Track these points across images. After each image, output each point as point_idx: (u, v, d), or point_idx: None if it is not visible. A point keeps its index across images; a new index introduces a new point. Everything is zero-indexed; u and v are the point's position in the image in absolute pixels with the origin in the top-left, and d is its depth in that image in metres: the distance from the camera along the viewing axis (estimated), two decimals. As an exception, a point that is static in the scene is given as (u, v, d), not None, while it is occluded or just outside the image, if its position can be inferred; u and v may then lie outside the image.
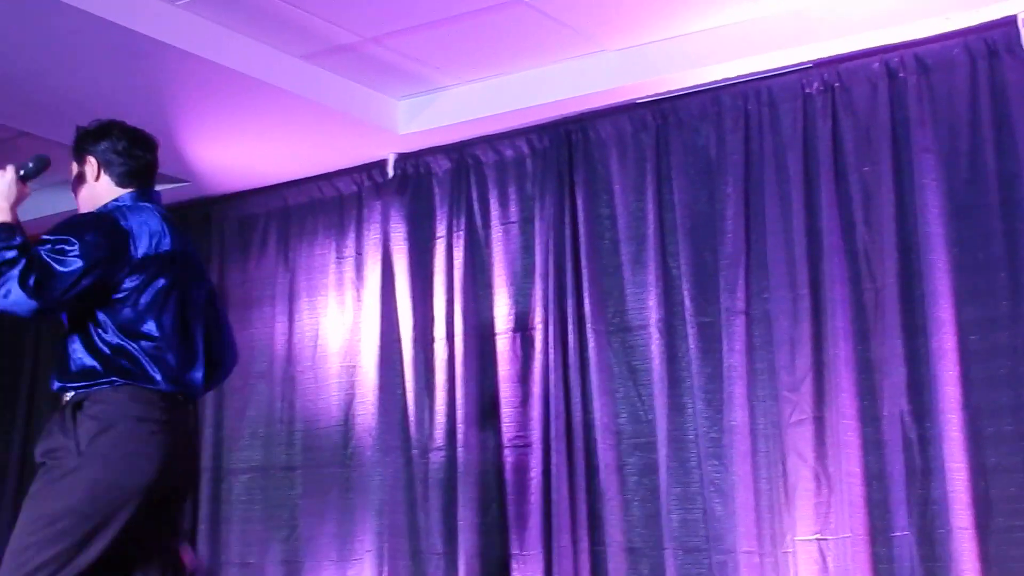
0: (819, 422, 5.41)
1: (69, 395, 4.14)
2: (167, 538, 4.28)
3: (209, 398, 7.04)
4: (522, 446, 6.07)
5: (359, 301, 6.69)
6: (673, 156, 5.91)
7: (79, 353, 4.19)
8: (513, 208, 6.32)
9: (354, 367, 6.63)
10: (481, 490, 6.16)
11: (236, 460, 6.95)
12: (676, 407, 5.73)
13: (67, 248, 4.12)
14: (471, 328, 6.30)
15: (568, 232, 6.09)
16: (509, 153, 6.35)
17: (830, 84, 5.58)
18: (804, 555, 5.34)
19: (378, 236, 6.64)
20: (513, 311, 6.22)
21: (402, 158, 6.64)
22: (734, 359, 5.59)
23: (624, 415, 5.89)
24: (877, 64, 5.49)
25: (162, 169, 6.73)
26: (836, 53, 5.55)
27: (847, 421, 5.31)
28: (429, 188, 6.57)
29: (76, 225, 4.20)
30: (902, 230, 5.35)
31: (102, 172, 4.44)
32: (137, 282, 4.21)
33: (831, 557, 5.30)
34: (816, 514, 5.35)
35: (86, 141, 4.48)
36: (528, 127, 6.29)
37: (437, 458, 6.30)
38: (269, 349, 6.94)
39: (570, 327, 6.00)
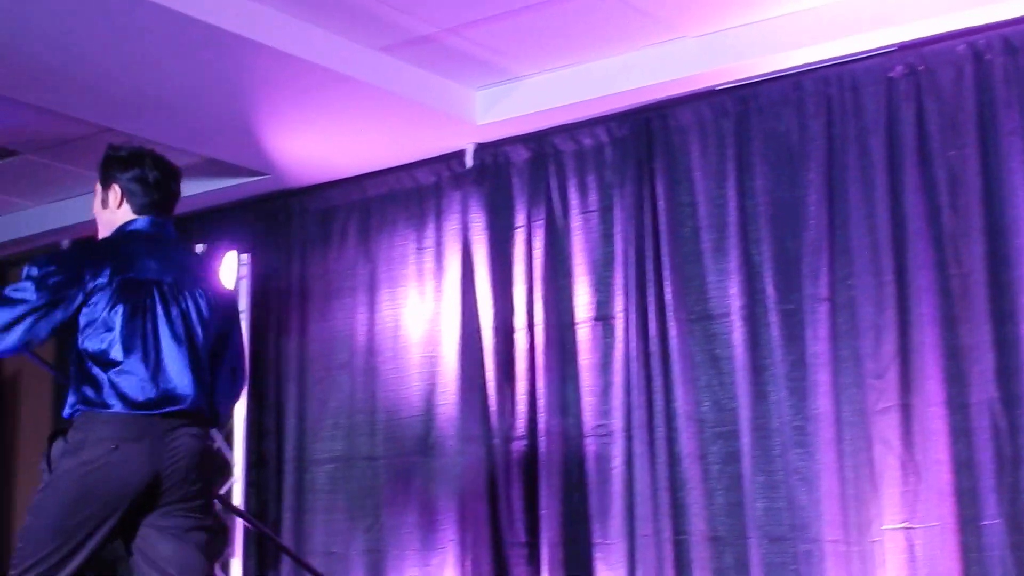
0: (905, 410, 5.35)
1: (67, 421, 4.45)
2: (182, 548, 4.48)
3: (292, 389, 7.09)
4: (604, 435, 6.05)
5: (439, 291, 6.69)
6: (754, 142, 5.86)
7: (71, 383, 4.47)
8: (593, 197, 6.29)
9: (435, 357, 6.63)
10: (563, 479, 6.15)
11: (319, 451, 6.98)
12: (759, 395, 5.69)
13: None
14: (551, 317, 6.29)
15: (648, 220, 6.06)
16: (588, 142, 6.32)
17: (914, 67, 5.50)
18: (891, 544, 5.29)
19: (457, 226, 6.64)
20: (594, 300, 6.20)
21: (481, 148, 6.63)
22: (818, 346, 5.54)
23: (706, 403, 5.85)
24: (962, 46, 5.41)
25: (242, 162, 6.90)
26: (920, 36, 5.47)
27: (934, 408, 5.24)
28: (508, 178, 6.56)
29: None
30: (989, 215, 5.27)
31: (124, 200, 4.65)
32: (96, 311, 4.42)
33: (919, 546, 5.24)
34: (903, 502, 5.29)
35: (112, 168, 4.69)
36: (607, 115, 6.25)
37: (519, 447, 6.29)
38: (350, 340, 6.96)
39: (651, 315, 5.97)
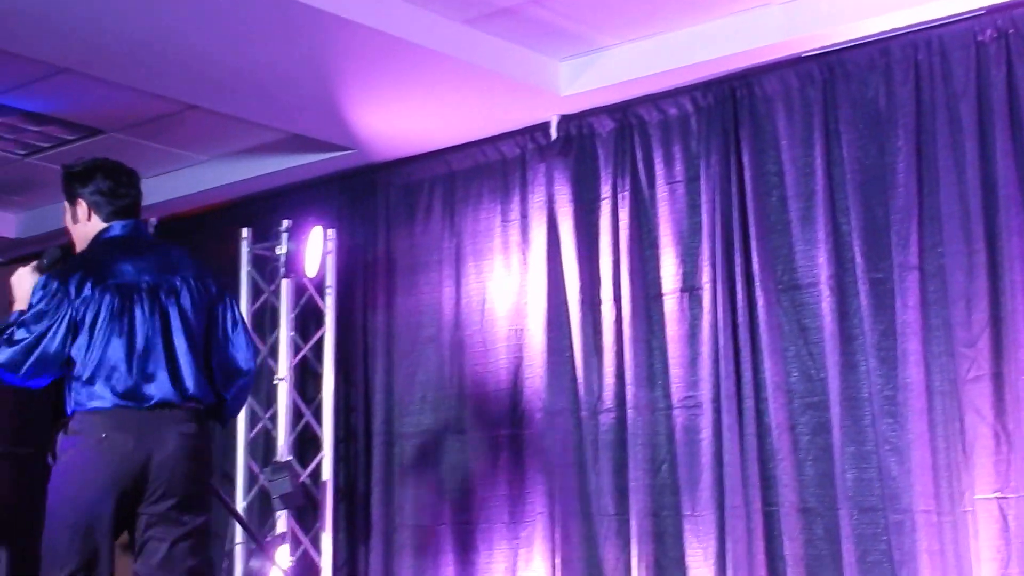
0: (997, 378, 5.28)
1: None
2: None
3: (379, 364, 7.12)
4: (692, 406, 6.03)
5: (525, 264, 6.68)
6: (841, 110, 5.80)
7: (65, 383, 4.85)
8: (678, 167, 6.26)
9: (522, 330, 6.63)
10: (651, 451, 6.13)
11: (407, 424, 7.01)
12: (849, 365, 5.64)
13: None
14: (638, 289, 6.27)
15: (735, 190, 6.02)
16: (673, 112, 6.29)
17: (1004, 31, 5.42)
18: (984, 514, 5.22)
19: (543, 199, 6.63)
20: (680, 271, 6.17)
21: (565, 120, 6.61)
22: (908, 315, 5.48)
23: (795, 374, 5.81)
24: (1054, 8, 5.33)
25: (327, 138, 6.93)
26: (1009, -2, 5.40)
27: (1027, 377, 5.18)
28: (593, 149, 6.53)
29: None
30: (1083, 180, 5.20)
31: (92, 213, 5.02)
32: (85, 321, 4.76)
33: (1012, 516, 5.18)
34: (996, 472, 5.22)
35: (73, 184, 5.06)
36: (692, 85, 6.21)
37: (607, 420, 6.28)
38: (437, 314, 6.98)
39: (738, 286, 5.93)
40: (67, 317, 4.78)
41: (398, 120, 6.71)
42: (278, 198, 7.62)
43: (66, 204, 5.13)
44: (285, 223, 6.88)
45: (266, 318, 7.18)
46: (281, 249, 6.90)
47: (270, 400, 7.11)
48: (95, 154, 7.19)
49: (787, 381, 5.82)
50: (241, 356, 5.04)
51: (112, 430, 4.72)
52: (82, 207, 5.05)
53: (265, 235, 7.13)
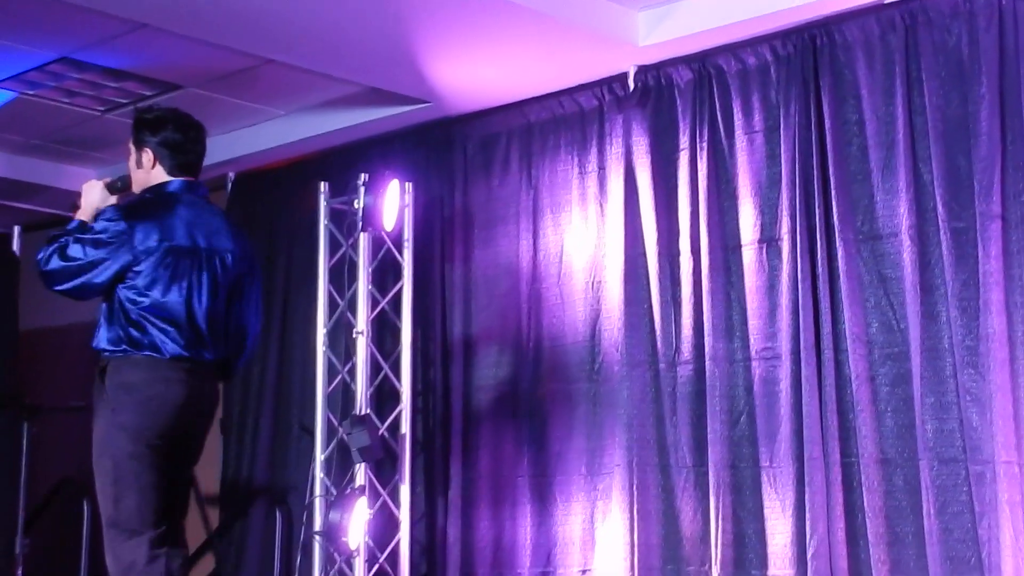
0: (1081, 328, 5.22)
1: (102, 359, 5.15)
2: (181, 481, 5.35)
3: (457, 317, 7.14)
4: (770, 358, 6.00)
5: (603, 216, 6.66)
6: (923, 58, 5.71)
7: (107, 324, 5.16)
8: (757, 117, 6.20)
9: (599, 282, 6.62)
10: (729, 403, 6.11)
11: (485, 377, 7.02)
12: (929, 315, 5.58)
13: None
14: (716, 240, 6.23)
15: (815, 140, 5.96)
16: (752, 61, 6.23)
17: (1092, -26, 5.33)
18: (1066, 465, 5.18)
19: (620, 150, 6.60)
20: (759, 222, 6.13)
21: (643, 70, 6.57)
22: (990, 265, 5.41)
23: (875, 324, 5.76)
24: None
25: (404, 91, 6.93)
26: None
27: (1111, 327, 5.12)
28: (671, 100, 6.49)
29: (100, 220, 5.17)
30: None
31: (156, 162, 5.28)
32: (143, 270, 5.09)
33: (1095, 466, 5.13)
34: (1079, 422, 5.17)
35: (143, 131, 5.31)
36: (771, 33, 6.15)
37: (685, 371, 6.26)
38: (514, 267, 6.98)
39: (818, 236, 5.88)
40: (123, 260, 5.09)
41: (475, 72, 6.70)
42: (355, 152, 7.64)
43: (132, 147, 5.36)
44: (362, 177, 6.88)
45: (344, 272, 7.19)
46: (359, 203, 6.89)
47: (348, 354, 7.13)
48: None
49: (867, 332, 5.77)
50: (252, 326, 5.45)
51: (171, 382, 5.12)
52: (147, 155, 5.29)
53: (343, 189, 7.14)
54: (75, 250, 5.13)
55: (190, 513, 8.21)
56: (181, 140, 5.30)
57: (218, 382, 5.43)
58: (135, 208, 5.24)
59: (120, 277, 5.12)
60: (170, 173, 5.30)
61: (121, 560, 5.09)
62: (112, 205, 5.31)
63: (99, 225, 5.15)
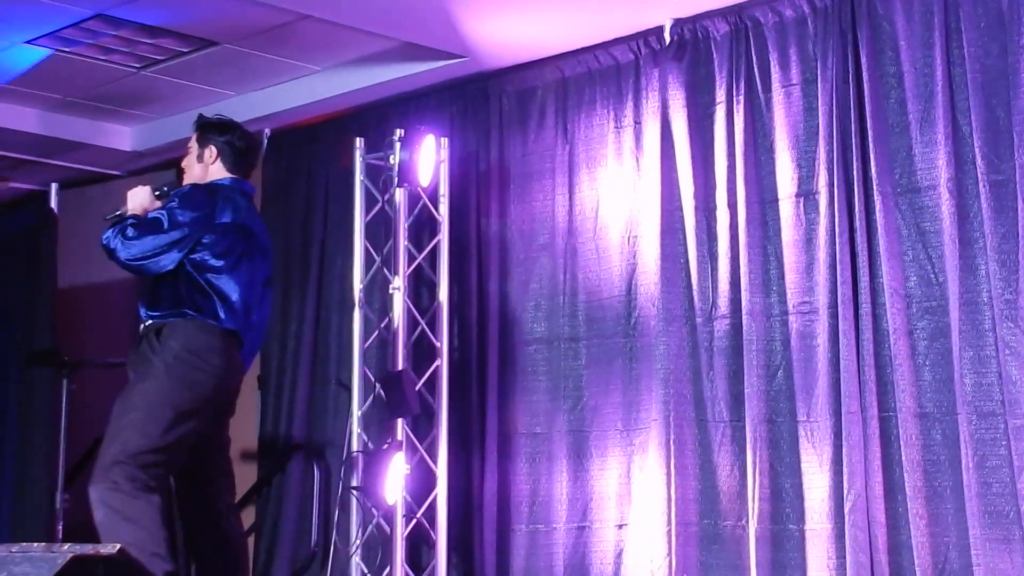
0: (1122, 281, 5.18)
1: (149, 323, 5.50)
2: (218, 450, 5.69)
3: (493, 272, 7.13)
4: (808, 312, 5.97)
5: (639, 171, 6.64)
6: (962, 8, 5.65)
7: (168, 287, 5.49)
8: (794, 70, 6.16)
9: (636, 237, 6.60)
10: (766, 357, 6.09)
11: (521, 332, 7.01)
12: (968, 268, 5.55)
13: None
14: (753, 194, 6.20)
15: (852, 92, 5.92)
16: (789, 13, 6.18)
17: None
18: (1108, 418, 5.14)
19: (657, 104, 6.56)
20: (796, 175, 6.09)
21: (679, 23, 6.52)
22: (1030, 217, 5.38)
23: (913, 278, 5.73)
24: None
25: (440, 46, 6.91)
26: None
27: None
28: (708, 53, 6.45)
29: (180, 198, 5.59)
30: None
31: (218, 159, 5.76)
32: (216, 242, 5.49)
33: None
34: (1120, 375, 5.14)
35: (211, 131, 5.81)
36: (809, -15, 6.11)
37: (722, 326, 6.25)
38: (550, 222, 6.96)
39: (856, 189, 5.85)
40: (200, 234, 5.47)
41: (510, 26, 6.67)
42: (391, 107, 7.63)
43: (194, 144, 5.82)
44: (398, 132, 6.88)
45: (380, 228, 7.20)
46: (394, 159, 6.90)
47: (385, 309, 7.15)
48: (210, 66, 7.34)
49: (905, 286, 5.74)
50: (266, 313, 5.84)
51: (227, 351, 5.50)
52: (211, 151, 5.77)
53: (378, 145, 7.15)
54: (158, 221, 5.48)
55: (228, 468, 8.29)
56: (245, 147, 5.84)
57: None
58: (211, 189, 5.65)
59: (193, 249, 5.47)
60: (228, 171, 5.78)
61: (125, 507, 5.21)
62: (187, 185, 5.70)
63: (180, 200, 5.53)
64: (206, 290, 5.48)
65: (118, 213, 5.63)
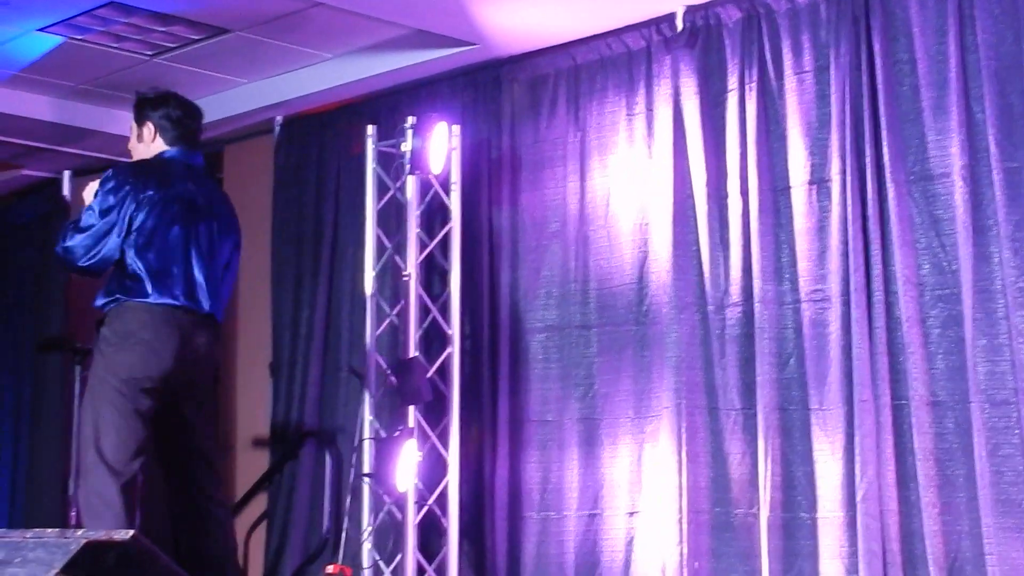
0: None
1: (99, 312, 5.54)
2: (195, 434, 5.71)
3: (505, 260, 7.12)
4: (820, 300, 5.96)
5: (650, 158, 6.62)
6: (976, -6, 5.65)
7: (106, 279, 5.57)
8: (807, 57, 6.14)
9: (647, 224, 6.59)
10: (779, 345, 6.08)
11: (532, 319, 7.01)
12: (981, 256, 5.53)
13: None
14: (766, 181, 6.19)
15: (865, 79, 5.90)
16: (801, 0, 6.17)
17: None
18: (1120, 405, 5.13)
19: (669, 91, 6.55)
20: (809, 163, 6.08)
21: (691, 10, 6.51)
22: (1044, 205, 5.37)
23: (926, 266, 5.72)
24: None
25: (451, 33, 6.90)
26: None
27: None
28: (720, 40, 6.43)
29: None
30: None
31: (157, 135, 5.73)
32: (143, 218, 5.48)
33: None
34: None
35: (145, 108, 5.77)
36: (821, -29, 6.09)
37: (733, 314, 6.24)
38: (562, 209, 6.95)
39: (869, 177, 5.83)
40: (128, 211, 5.47)
41: (522, 13, 6.66)
42: (403, 95, 7.62)
43: (133, 125, 5.81)
44: (410, 120, 6.88)
45: (392, 215, 7.21)
46: (406, 146, 6.89)
47: (396, 297, 7.15)
48: (222, 54, 7.34)
49: (918, 274, 5.73)
50: (227, 296, 5.84)
51: (165, 325, 5.49)
52: (149, 128, 5.75)
53: (390, 132, 7.15)
54: (87, 218, 5.49)
55: (240, 455, 8.33)
56: (181, 115, 5.76)
57: (215, 333, 5.73)
58: (133, 165, 5.69)
59: (128, 231, 5.48)
60: (169, 145, 5.75)
61: (99, 498, 5.39)
62: (109, 169, 5.66)
63: (100, 188, 5.52)
64: (135, 270, 5.48)
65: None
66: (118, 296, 5.50)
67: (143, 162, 5.69)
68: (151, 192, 5.51)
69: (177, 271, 5.51)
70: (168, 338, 5.48)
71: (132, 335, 5.45)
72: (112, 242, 5.48)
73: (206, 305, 5.61)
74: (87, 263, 5.52)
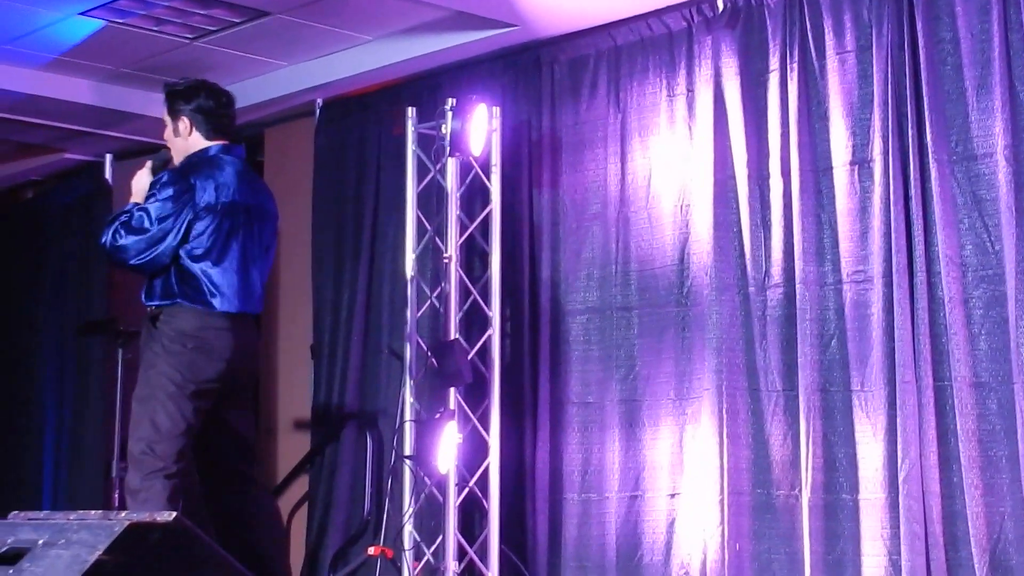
0: None
1: (153, 308, 5.60)
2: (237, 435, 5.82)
3: (545, 242, 7.11)
4: (862, 281, 5.94)
5: (691, 139, 6.60)
6: (1020, -29, 5.61)
7: (158, 278, 5.60)
8: (849, 37, 6.11)
9: (688, 206, 6.57)
10: (820, 326, 6.06)
11: (573, 301, 7.00)
12: (1025, 237, 5.51)
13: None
14: (807, 162, 6.16)
15: (907, 59, 5.86)
16: (844, -21, 6.14)
17: None
18: None
19: (709, 72, 6.52)
20: (851, 143, 6.05)
21: (733, -10, 6.50)
22: (1088, 184, 5.33)
23: (969, 247, 5.68)
24: None
25: (490, 15, 6.89)
26: None
27: None
28: (761, 20, 6.40)
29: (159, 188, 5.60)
30: None
31: (193, 128, 5.73)
32: (200, 228, 5.53)
33: None
34: None
35: (177, 101, 5.78)
36: (863, -50, 6.06)
37: (775, 295, 6.22)
38: (602, 191, 6.94)
39: (911, 157, 5.80)
40: (186, 218, 5.51)
41: (562, -6, 6.66)
42: (443, 77, 7.62)
43: (167, 119, 5.82)
44: (450, 102, 6.87)
45: (432, 197, 7.21)
46: (446, 128, 6.88)
47: (437, 279, 7.16)
48: (262, 36, 7.34)
49: (960, 254, 5.69)
50: (266, 270, 5.87)
51: (222, 331, 5.59)
52: (184, 122, 5.75)
53: (430, 114, 7.14)
54: (140, 219, 5.53)
55: (282, 438, 8.36)
56: (214, 106, 5.76)
57: (259, 331, 5.90)
58: (188, 168, 5.65)
59: (185, 237, 5.55)
60: (207, 138, 5.75)
61: (142, 492, 5.45)
62: (165, 171, 5.69)
63: (161, 194, 5.54)
64: (194, 278, 5.58)
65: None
66: (178, 300, 5.58)
67: (195, 165, 5.68)
68: (210, 201, 5.56)
69: (234, 279, 5.61)
70: (224, 341, 5.59)
71: (191, 337, 5.56)
72: (167, 248, 5.55)
73: (259, 308, 5.79)
74: (138, 263, 5.58)
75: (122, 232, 5.56)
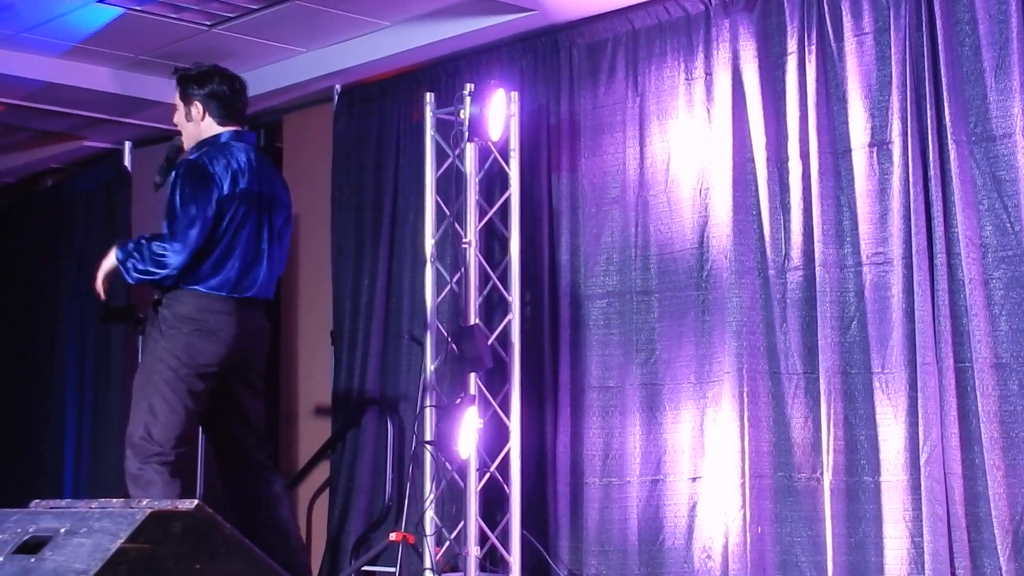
0: None
1: (155, 296, 5.61)
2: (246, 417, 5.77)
3: (564, 226, 7.11)
4: (882, 263, 5.93)
5: (710, 122, 6.59)
6: (1038, -48, 5.58)
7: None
8: (867, 19, 6.09)
9: (707, 189, 6.56)
10: (840, 308, 6.06)
11: (592, 285, 7.00)
12: (1046, 217, 5.49)
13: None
14: (826, 144, 6.15)
15: (926, 40, 5.85)
16: (861, -40, 6.12)
17: None
18: None
19: (728, 55, 6.51)
20: (869, 125, 6.03)
21: (750, -27, 6.48)
22: (1108, 165, 5.31)
23: (989, 227, 5.67)
24: None
25: (509, -1, 6.87)
26: None
27: None
28: (779, 3, 6.38)
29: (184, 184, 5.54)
30: None
31: (206, 114, 5.68)
32: (216, 216, 5.49)
33: None
34: None
35: (190, 86, 5.70)
36: (881, -69, 6.04)
37: (795, 278, 6.21)
38: (621, 175, 6.93)
39: (930, 138, 5.79)
40: (211, 211, 5.49)
41: (579, -22, 6.65)
42: (461, 62, 7.62)
43: (179, 104, 5.76)
44: (468, 87, 6.87)
45: (451, 182, 7.20)
46: (465, 113, 6.88)
47: (456, 264, 7.16)
48: (280, 23, 7.35)
49: (980, 235, 5.68)
50: (279, 271, 5.85)
51: (229, 314, 5.55)
52: (197, 108, 5.70)
53: (449, 99, 7.13)
54: (167, 232, 5.52)
55: (303, 423, 8.38)
56: (227, 91, 5.71)
57: (266, 319, 5.81)
58: (204, 158, 5.58)
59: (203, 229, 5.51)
60: (219, 124, 5.70)
61: (142, 477, 5.43)
62: (181, 162, 5.64)
63: (180, 192, 5.49)
64: (198, 263, 5.53)
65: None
66: (180, 284, 5.55)
67: (211, 155, 5.60)
68: (226, 191, 5.52)
69: (239, 264, 5.58)
70: (224, 325, 5.55)
71: (190, 320, 5.52)
72: (198, 237, 5.49)
73: (268, 294, 5.74)
74: (184, 261, 5.50)
75: (157, 248, 5.51)
